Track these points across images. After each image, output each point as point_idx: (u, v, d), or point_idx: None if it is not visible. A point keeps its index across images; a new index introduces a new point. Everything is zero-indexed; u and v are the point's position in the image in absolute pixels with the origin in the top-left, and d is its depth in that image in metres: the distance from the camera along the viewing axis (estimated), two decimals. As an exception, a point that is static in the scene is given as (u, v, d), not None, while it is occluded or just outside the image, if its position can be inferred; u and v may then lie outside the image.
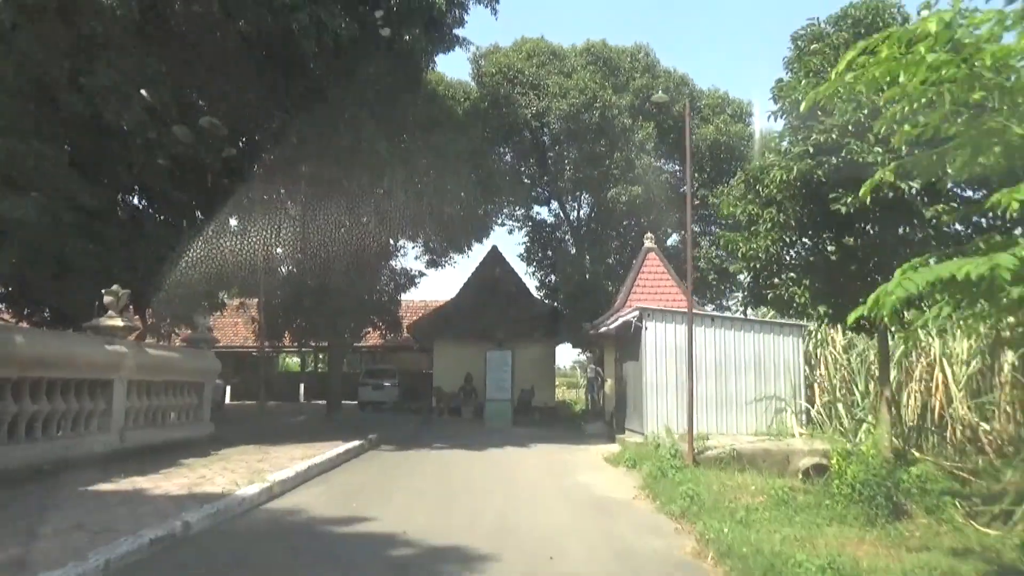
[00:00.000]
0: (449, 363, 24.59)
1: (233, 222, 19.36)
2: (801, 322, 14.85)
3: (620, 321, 15.16)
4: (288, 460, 10.38)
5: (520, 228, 28.58)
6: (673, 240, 26.82)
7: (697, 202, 25.07)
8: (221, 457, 10.83)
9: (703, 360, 14.20)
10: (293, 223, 21.40)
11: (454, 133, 20.86)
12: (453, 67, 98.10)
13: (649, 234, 22.25)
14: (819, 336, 14.72)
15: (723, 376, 14.16)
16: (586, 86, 21.65)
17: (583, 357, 33.25)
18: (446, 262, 29.04)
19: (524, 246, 28.52)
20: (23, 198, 10.23)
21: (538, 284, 27.85)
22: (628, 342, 15.91)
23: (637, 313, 14.36)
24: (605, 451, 14.03)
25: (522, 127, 23.59)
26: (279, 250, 22.36)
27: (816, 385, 14.58)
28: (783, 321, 14.92)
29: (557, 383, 32.55)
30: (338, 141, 14.85)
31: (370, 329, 26.47)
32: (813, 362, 14.76)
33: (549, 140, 24.30)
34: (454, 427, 20.64)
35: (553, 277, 26.88)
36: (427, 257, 29.28)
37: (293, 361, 46.93)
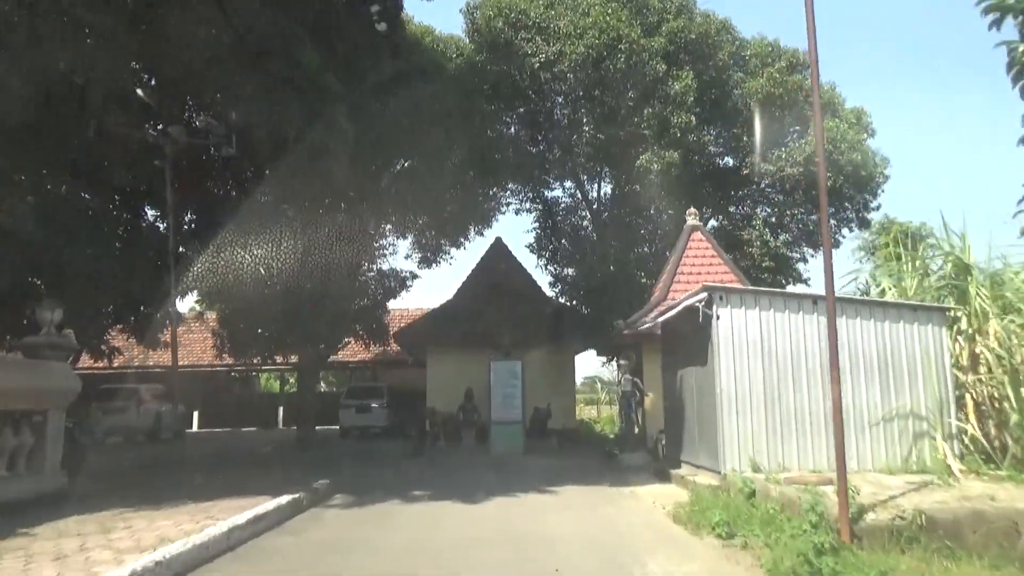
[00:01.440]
0: (446, 378, 20.21)
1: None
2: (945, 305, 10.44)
3: (677, 309, 10.74)
4: (155, 540, 6.10)
5: (528, 211, 24.18)
6: (715, 224, 22.40)
7: (746, 171, 20.71)
8: (41, 536, 6.52)
9: (805, 360, 9.81)
10: (256, 214, 17.22)
11: (441, 86, 16.64)
12: (443, 19, 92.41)
13: (692, 210, 17.88)
14: (969, 322, 10.21)
15: (827, 383, 9.70)
16: (608, 24, 17.37)
17: (608, 367, 28.68)
18: (441, 258, 24.72)
19: (534, 233, 24.15)
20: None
21: (552, 280, 23.49)
22: (683, 341, 11.51)
23: (704, 296, 9.96)
24: (664, 498, 9.59)
25: (527, 87, 19.28)
26: (244, 252, 18.10)
27: (969, 396, 10.05)
28: (920, 303, 10.49)
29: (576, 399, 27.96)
30: (269, 64, 10.67)
31: (351, 340, 22.13)
32: (963, 363, 10.25)
33: (562, 99, 19.99)
34: (450, 459, 16.22)
35: (570, 271, 22.53)
36: (419, 255, 25.04)
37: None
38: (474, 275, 22.37)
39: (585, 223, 23.32)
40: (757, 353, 9.77)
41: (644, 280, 19.37)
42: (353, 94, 13.06)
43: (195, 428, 28.93)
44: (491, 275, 22.20)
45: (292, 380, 42.63)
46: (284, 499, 8.29)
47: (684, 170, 18.68)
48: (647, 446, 15.15)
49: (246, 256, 18.08)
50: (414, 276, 24.91)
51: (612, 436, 22.59)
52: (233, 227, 17.16)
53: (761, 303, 9.93)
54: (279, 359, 21.12)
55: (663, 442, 14.13)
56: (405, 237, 24.91)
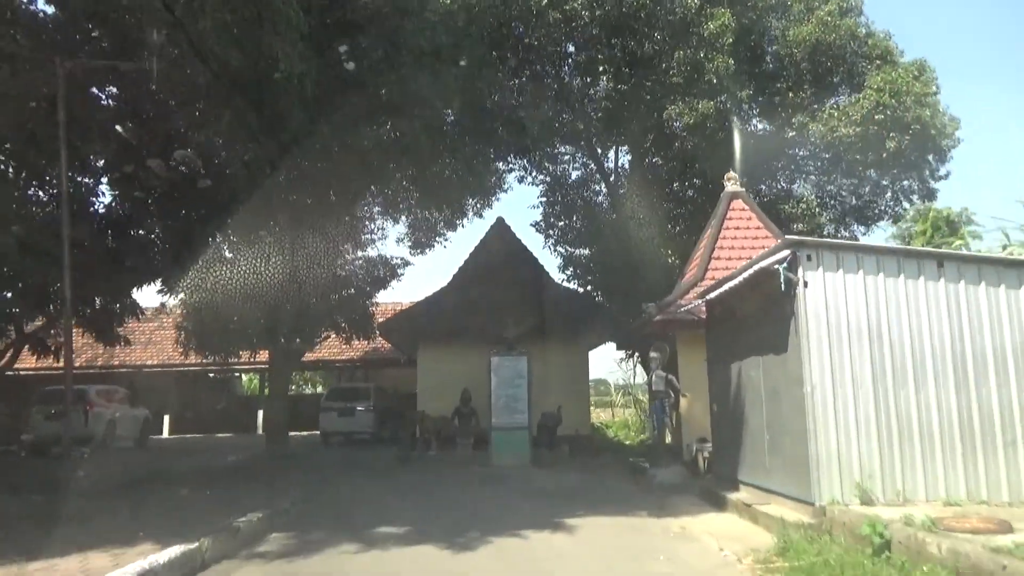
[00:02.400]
0: (439, 376, 17.41)
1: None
2: None
3: (745, 275, 7.88)
4: None
5: (534, 183, 21.22)
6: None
7: (791, 132, 17.81)
8: None
9: (929, 344, 6.98)
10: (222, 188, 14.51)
11: (425, 24, 13.81)
12: None
13: (731, 174, 15.05)
14: None
15: (963, 378, 6.90)
16: (630, -49, 14.52)
17: (623, 366, 25.76)
18: (436, 241, 21.89)
19: (541, 210, 21.25)
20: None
21: (562, 262, 20.62)
22: (744, 323, 8.70)
23: (786, 254, 7.12)
24: (729, 539, 6.78)
25: (532, 32, 16.33)
26: (204, 228, 15.38)
27: None
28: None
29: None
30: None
31: (330, 335, 19.35)
32: None
33: (574, 47, 17.11)
34: (442, 472, 13.43)
35: (583, 251, 19.70)
36: (411, 239, 22.24)
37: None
38: (472, 259, 19.56)
39: (600, 198, 20.51)
40: (862, 334, 6.95)
41: (672, 260, 16.54)
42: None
43: (165, 434, 26.14)
44: (492, 258, 19.40)
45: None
46: (168, 555, 5.48)
47: (719, 126, 15.81)
48: (682, 459, 12.33)
49: (207, 233, 15.35)
50: (406, 263, 22.28)
51: (632, 444, 19.73)
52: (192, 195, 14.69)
53: (866, 264, 7.10)
54: (247, 356, 18.33)
55: (705, 454, 11.34)
56: (396, 220, 22.26)
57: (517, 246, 19.87)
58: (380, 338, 19.34)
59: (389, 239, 56.68)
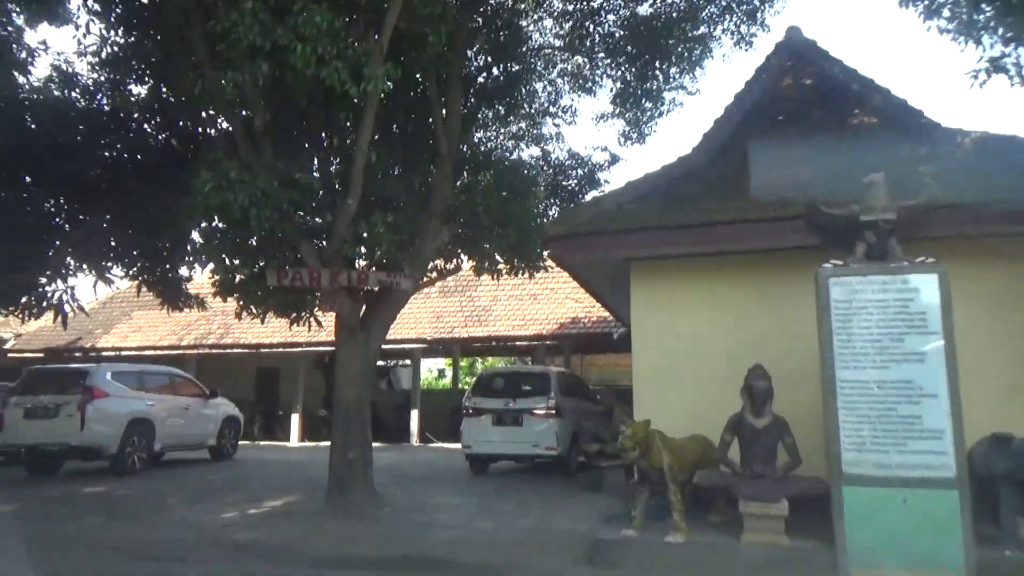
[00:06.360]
0: (682, 338, 7.89)
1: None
2: None
3: None
4: None
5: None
6: None
7: None
8: None
9: None
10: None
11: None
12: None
13: None
14: None
15: None
16: None
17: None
18: (659, 109, 12.43)
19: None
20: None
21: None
22: None
23: None
24: None
25: None
26: None
27: None
28: None
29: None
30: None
31: (461, 261, 10.57)
32: None
33: None
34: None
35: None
36: (616, 116, 13.04)
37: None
38: (742, 103, 9.51)
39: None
40: None
41: None
42: None
43: (293, 441, 19.25)
44: (784, 92, 9.35)
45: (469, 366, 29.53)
46: None
47: None
48: None
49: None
50: (613, 160, 13.34)
51: None
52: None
53: None
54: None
55: None
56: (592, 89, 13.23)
57: (831, 68, 9.42)
58: (550, 263, 9.88)
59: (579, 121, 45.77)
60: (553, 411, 11.07)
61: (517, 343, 18.51)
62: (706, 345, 7.97)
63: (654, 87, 12.11)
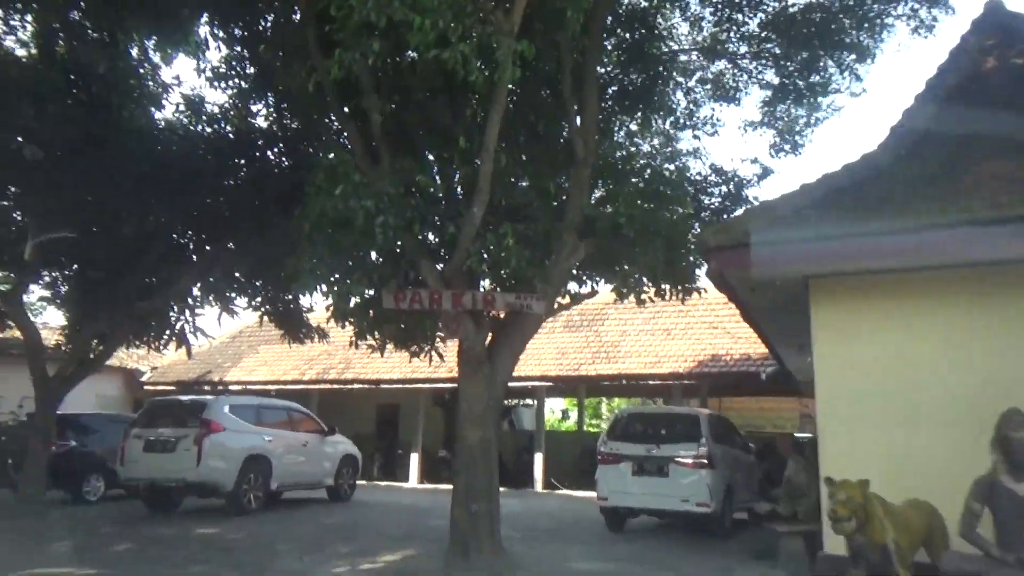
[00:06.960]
0: (876, 365, 6.22)
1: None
2: None
3: None
4: None
5: None
6: None
7: None
8: None
9: None
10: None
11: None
12: None
13: None
14: None
15: None
16: None
17: None
18: (818, 114, 10.93)
19: None
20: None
21: None
22: None
23: None
24: None
25: None
26: None
27: None
28: None
29: None
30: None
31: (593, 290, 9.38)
32: None
33: None
34: None
35: None
36: (765, 126, 11.63)
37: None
38: (935, 90, 7.85)
39: None
40: None
41: None
42: None
43: (413, 482, 18.46)
44: (988, 75, 7.60)
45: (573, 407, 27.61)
46: None
47: None
48: None
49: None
50: (765, 173, 11.85)
51: None
52: None
53: None
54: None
55: None
56: (736, 97, 11.91)
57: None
58: (704, 284, 8.42)
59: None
60: (704, 460, 9.51)
61: (649, 382, 16.92)
62: (915, 383, 6.29)
63: (811, 90, 10.65)
